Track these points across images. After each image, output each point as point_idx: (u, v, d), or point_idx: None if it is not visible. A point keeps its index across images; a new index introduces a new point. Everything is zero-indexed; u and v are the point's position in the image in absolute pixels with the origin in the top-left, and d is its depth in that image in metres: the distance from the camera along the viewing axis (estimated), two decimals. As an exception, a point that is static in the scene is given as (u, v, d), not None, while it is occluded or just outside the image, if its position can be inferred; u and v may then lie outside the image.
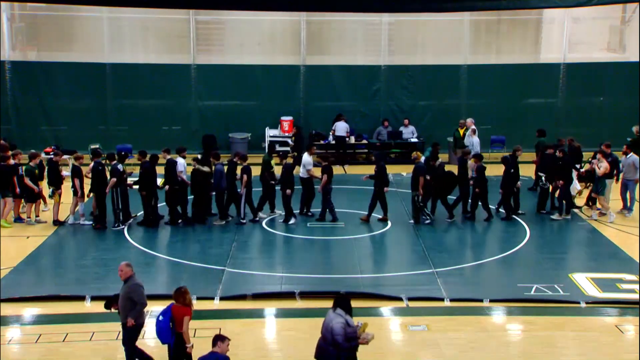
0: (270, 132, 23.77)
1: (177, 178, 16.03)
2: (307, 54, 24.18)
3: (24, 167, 16.34)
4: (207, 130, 23.56)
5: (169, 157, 16.25)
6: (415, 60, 24.42)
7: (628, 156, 17.03)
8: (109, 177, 15.90)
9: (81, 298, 12.18)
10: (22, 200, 16.47)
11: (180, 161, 16.27)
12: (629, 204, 17.19)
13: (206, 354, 8.22)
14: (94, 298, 12.15)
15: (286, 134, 23.60)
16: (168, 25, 24.03)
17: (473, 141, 20.32)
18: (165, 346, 9.38)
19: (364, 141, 23.38)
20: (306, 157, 16.77)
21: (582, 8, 21.30)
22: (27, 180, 16.03)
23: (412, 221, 16.38)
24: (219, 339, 8.26)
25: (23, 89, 23.69)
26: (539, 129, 19.68)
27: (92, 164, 16.08)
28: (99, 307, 11.87)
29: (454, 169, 17.13)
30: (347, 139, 22.74)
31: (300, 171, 16.77)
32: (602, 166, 16.49)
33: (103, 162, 16.36)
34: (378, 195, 16.27)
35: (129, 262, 9.70)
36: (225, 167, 16.29)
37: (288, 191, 16.10)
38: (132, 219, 16.28)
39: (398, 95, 24.47)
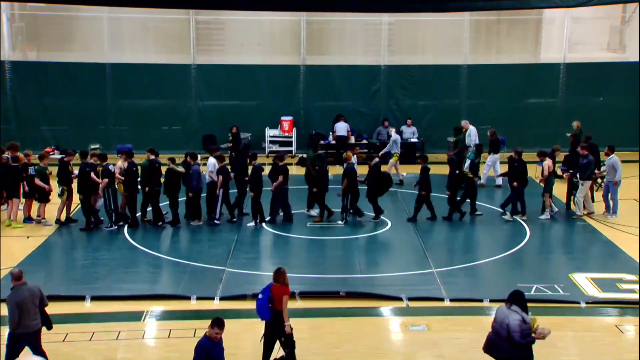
0: (270, 132, 23.78)
1: (159, 179, 16.01)
2: (307, 54, 24.18)
3: (35, 167, 16.31)
4: (207, 130, 23.58)
5: (152, 157, 16.18)
6: (415, 60, 24.44)
7: (609, 158, 16.90)
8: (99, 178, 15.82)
9: (81, 298, 12.17)
10: (33, 200, 16.45)
11: (211, 161, 16.20)
12: (611, 206, 17.05)
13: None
14: (94, 298, 12.15)
15: (286, 134, 23.62)
16: (168, 25, 24.04)
17: (471, 131, 20.34)
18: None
19: (364, 141, 23.38)
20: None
21: (582, 8, 21.27)
22: (38, 181, 16.02)
23: (341, 222, 16.31)
24: (212, 323, 8.16)
25: (23, 89, 23.71)
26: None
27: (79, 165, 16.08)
28: (99, 307, 11.95)
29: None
30: (348, 139, 22.71)
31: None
32: (545, 165, 16.45)
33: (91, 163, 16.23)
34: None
35: (19, 270, 9.31)
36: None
37: (251, 194, 15.99)
38: (123, 221, 16.16)
39: (398, 95, 24.48)
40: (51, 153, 20.76)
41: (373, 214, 16.50)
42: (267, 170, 17.36)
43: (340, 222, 16.29)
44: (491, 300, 12.14)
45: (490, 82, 24.29)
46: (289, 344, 9.45)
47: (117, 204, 15.95)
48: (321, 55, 24.45)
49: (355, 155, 17.03)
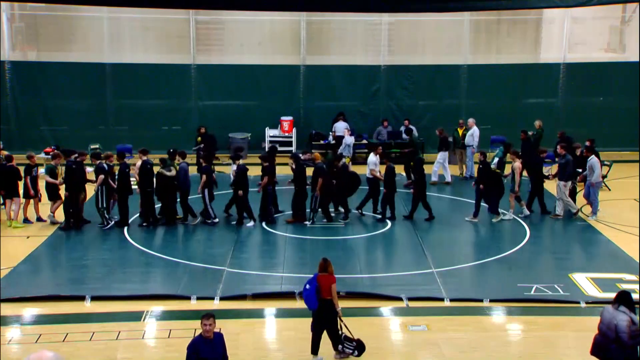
0: (270, 132, 23.78)
1: (152, 180, 15.99)
2: (307, 54, 24.19)
3: (44, 166, 16.30)
4: (207, 130, 23.56)
5: (145, 158, 16.19)
6: (415, 60, 24.45)
7: (589, 159, 16.82)
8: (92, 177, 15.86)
9: (81, 298, 12.16)
10: (30, 201, 16.45)
11: (234, 168, 16.34)
12: (591, 207, 16.91)
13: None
14: (94, 298, 12.15)
15: (286, 134, 23.62)
16: (168, 25, 24.04)
17: (474, 132, 20.37)
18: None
19: (364, 141, 23.39)
20: (372, 158, 16.81)
21: (582, 8, 21.29)
22: (48, 178, 16.00)
23: (308, 222, 16.29)
24: (201, 319, 8.10)
25: (23, 89, 23.71)
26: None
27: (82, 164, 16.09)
28: (99, 307, 11.96)
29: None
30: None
31: (366, 171, 16.81)
32: (515, 166, 16.43)
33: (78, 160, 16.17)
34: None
35: None
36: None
37: (240, 192, 16.02)
38: (113, 220, 16.14)
39: (398, 95, 24.49)
40: (50, 153, 20.74)
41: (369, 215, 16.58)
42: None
43: (308, 222, 16.28)
44: (491, 300, 12.16)
45: (490, 82, 24.30)
46: (335, 330, 9.95)
47: (110, 203, 15.91)
48: (321, 55, 24.45)
49: (378, 155, 16.99)
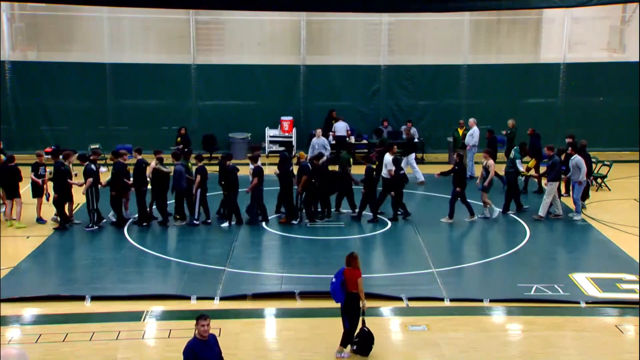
0: (270, 132, 23.78)
1: (146, 179, 15.99)
2: (307, 54, 24.19)
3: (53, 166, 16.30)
4: (207, 130, 23.59)
5: (139, 157, 16.16)
6: (415, 60, 24.45)
7: (572, 158, 16.78)
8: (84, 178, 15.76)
9: (81, 298, 12.16)
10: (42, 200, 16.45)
11: (251, 167, 16.29)
12: (574, 206, 16.86)
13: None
14: (94, 298, 12.15)
15: (286, 134, 23.62)
16: (168, 25, 24.05)
17: (474, 132, 20.36)
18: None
19: (364, 141, 23.38)
20: (387, 157, 16.76)
21: (582, 8, 21.29)
22: (70, 180, 15.98)
23: (295, 221, 16.34)
24: (196, 320, 8.05)
25: (23, 89, 23.71)
26: None
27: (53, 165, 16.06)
28: (99, 307, 11.96)
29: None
30: (347, 138, 22.71)
31: (382, 171, 16.76)
32: (489, 165, 16.43)
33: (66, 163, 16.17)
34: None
35: None
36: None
37: (225, 193, 16.01)
38: (104, 220, 16.14)
39: (398, 95, 24.49)
40: (49, 153, 20.73)
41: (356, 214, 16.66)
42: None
43: (294, 222, 16.31)
44: (491, 300, 12.16)
45: (490, 82, 24.30)
46: (354, 325, 10.20)
47: (98, 205, 15.85)
48: (321, 55, 24.45)
49: (393, 156, 16.98)
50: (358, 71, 24.43)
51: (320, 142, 20.33)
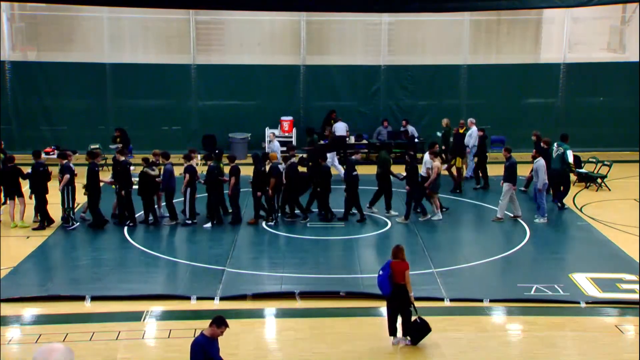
0: (270, 132, 23.73)
1: (131, 180, 15.99)
2: (307, 54, 24.18)
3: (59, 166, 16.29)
4: (207, 130, 23.58)
5: (122, 159, 16.16)
6: (415, 60, 24.43)
7: (535, 161, 16.61)
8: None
9: (81, 298, 12.16)
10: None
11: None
12: (538, 209, 16.66)
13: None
14: (94, 298, 12.15)
15: (286, 134, 23.61)
16: (168, 25, 24.04)
17: (472, 132, 20.30)
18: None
19: (364, 141, 23.38)
20: (427, 157, 16.77)
21: (582, 8, 21.28)
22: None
23: (271, 223, 16.32)
24: (213, 322, 8.07)
25: (23, 89, 23.69)
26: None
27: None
28: (99, 307, 11.96)
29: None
30: (347, 138, 22.71)
31: (421, 170, 16.76)
32: (434, 166, 16.39)
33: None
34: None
35: None
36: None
37: (207, 194, 16.10)
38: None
39: (398, 95, 24.49)
40: (50, 153, 20.74)
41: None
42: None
43: (271, 222, 16.31)
44: (491, 300, 12.16)
45: (490, 82, 24.29)
46: (408, 316, 10.43)
47: (74, 204, 15.86)
48: (321, 55, 24.45)
49: (432, 155, 16.96)
50: (358, 71, 24.42)
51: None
